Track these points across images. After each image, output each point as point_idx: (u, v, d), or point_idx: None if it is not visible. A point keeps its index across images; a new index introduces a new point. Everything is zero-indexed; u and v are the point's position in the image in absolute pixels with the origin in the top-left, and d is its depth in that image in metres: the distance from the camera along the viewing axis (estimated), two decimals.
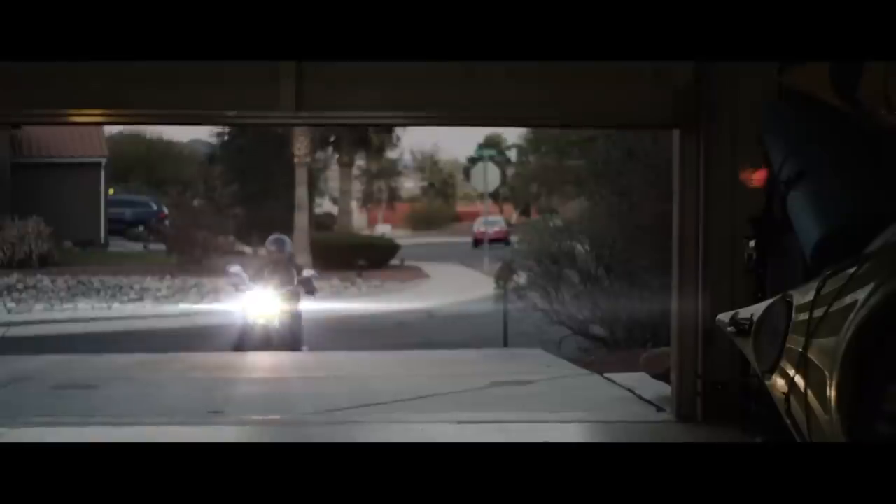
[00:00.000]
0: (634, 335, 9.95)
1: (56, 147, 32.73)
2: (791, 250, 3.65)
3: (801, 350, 2.62)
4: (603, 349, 10.83)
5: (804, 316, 2.68)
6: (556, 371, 6.36)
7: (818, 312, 2.60)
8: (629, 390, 5.40)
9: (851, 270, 2.53)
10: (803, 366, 2.59)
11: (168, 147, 44.58)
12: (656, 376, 5.28)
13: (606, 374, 5.98)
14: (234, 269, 10.97)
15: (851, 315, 2.36)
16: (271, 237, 11.28)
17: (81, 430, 4.44)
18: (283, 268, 10.68)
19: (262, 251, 11.76)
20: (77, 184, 31.66)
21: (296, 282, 10.58)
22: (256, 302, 10.51)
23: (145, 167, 41.96)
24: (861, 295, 2.38)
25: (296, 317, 10.69)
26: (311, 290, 10.87)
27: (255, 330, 10.31)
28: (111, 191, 35.70)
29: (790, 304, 2.86)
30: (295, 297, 10.62)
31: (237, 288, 10.96)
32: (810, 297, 2.70)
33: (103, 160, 33.33)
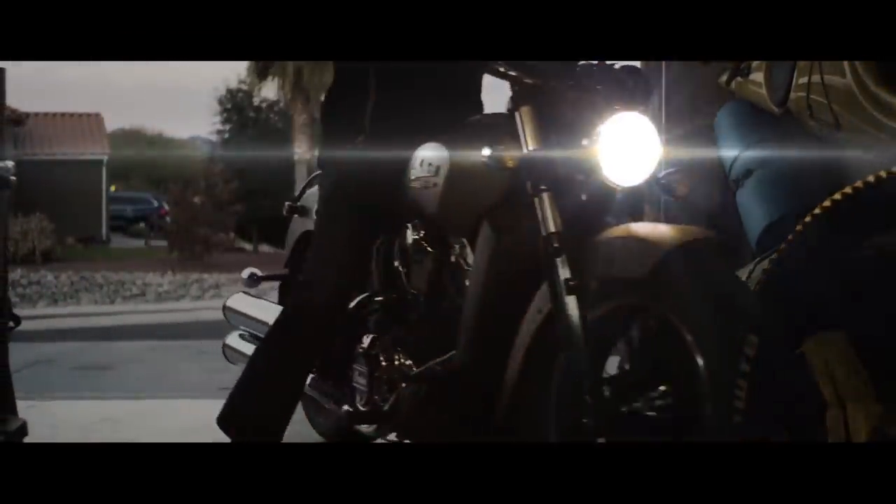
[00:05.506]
0: None
1: (59, 145, 33.00)
2: (742, 241, 4.03)
3: None
4: None
5: None
6: None
7: None
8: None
9: (773, 256, 2.95)
10: None
11: (168, 144, 44.69)
12: None
13: None
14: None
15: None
16: None
17: (103, 402, 4.88)
18: None
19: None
20: (79, 181, 31.91)
21: None
22: None
23: (146, 164, 42.14)
24: None
25: None
26: None
27: None
28: (113, 188, 35.95)
29: None
30: None
31: None
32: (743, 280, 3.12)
33: (105, 157, 33.62)
